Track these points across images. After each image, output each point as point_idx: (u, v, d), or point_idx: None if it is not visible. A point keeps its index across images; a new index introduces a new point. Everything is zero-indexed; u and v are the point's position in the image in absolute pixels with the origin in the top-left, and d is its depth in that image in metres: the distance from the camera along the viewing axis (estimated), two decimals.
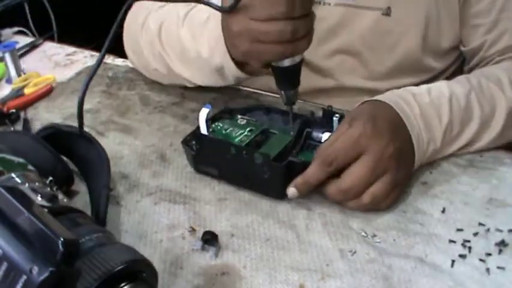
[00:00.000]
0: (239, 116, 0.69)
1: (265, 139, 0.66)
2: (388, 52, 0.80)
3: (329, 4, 0.81)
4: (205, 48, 0.70)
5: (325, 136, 0.64)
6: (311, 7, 0.60)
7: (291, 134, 0.65)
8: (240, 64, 0.68)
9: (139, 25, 0.80)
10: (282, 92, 0.64)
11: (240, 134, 0.66)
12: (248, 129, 0.66)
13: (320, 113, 0.65)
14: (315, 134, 0.65)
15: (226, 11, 0.60)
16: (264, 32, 0.58)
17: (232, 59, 0.67)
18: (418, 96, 0.64)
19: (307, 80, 0.85)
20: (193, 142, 0.66)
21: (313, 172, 0.58)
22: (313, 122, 0.66)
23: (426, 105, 0.63)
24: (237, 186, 0.64)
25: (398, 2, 0.78)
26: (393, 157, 0.58)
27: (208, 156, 0.64)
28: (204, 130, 0.65)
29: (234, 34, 0.62)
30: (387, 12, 0.78)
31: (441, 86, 0.67)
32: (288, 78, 0.64)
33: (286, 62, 0.62)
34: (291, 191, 0.59)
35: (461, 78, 0.70)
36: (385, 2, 0.78)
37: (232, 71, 0.69)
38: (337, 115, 0.63)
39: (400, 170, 0.59)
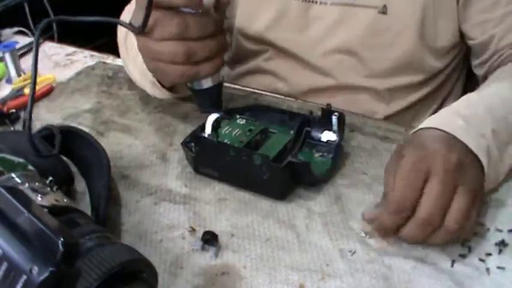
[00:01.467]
0: (238, 116, 0.69)
1: (265, 139, 0.66)
2: (386, 51, 0.80)
3: (325, 4, 0.81)
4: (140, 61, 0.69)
5: (324, 135, 0.65)
6: (216, 30, 0.61)
7: (291, 133, 0.65)
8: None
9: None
10: (203, 110, 0.66)
11: (240, 134, 0.66)
12: (247, 129, 0.66)
13: (319, 112, 0.65)
14: (314, 133, 0.65)
15: (135, 31, 0.61)
16: (157, 52, 0.60)
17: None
18: (459, 112, 0.60)
19: (306, 79, 0.86)
20: (192, 144, 0.66)
21: (390, 222, 0.53)
22: (312, 121, 0.66)
23: (469, 118, 0.58)
24: (237, 187, 0.64)
25: (394, 0, 0.78)
26: (458, 167, 0.53)
27: (208, 158, 0.64)
28: (209, 131, 0.65)
29: (140, 53, 0.64)
30: (383, 11, 0.78)
31: (473, 98, 0.64)
32: (205, 100, 0.66)
33: (200, 85, 0.63)
34: (364, 227, 0.56)
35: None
36: (381, 0, 0.78)
37: (158, 89, 0.72)
38: (336, 114, 0.63)
39: (471, 179, 0.53)
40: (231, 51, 0.97)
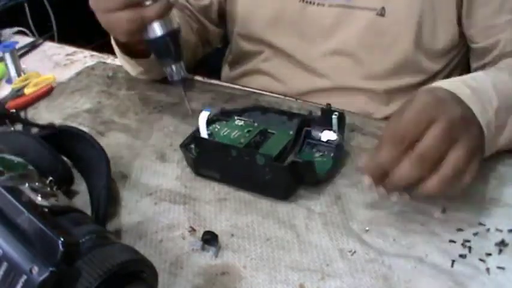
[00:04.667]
0: (236, 117, 0.69)
1: (264, 139, 0.66)
2: (384, 53, 0.80)
3: (323, 5, 0.81)
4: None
5: (324, 134, 0.64)
6: None
7: (290, 134, 0.65)
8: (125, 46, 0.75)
9: None
10: (164, 68, 0.66)
11: (239, 136, 0.66)
12: (246, 130, 0.66)
13: (319, 112, 0.65)
14: (314, 132, 0.65)
15: None
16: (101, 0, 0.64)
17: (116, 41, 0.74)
18: (467, 82, 0.60)
19: (303, 81, 0.86)
20: (192, 146, 0.66)
21: (386, 153, 0.52)
22: (311, 121, 0.66)
23: (476, 89, 0.59)
24: (239, 188, 0.64)
25: (392, 2, 0.78)
26: (464, 120, 0.53)
27: (209, 159, 0.64)
28: (204, 133, 0.64)
29: (94, 10, 0.67)
30: (381, 13, 0.78)
31: (481, 75, 0.65)
32: (159, 50, 0.66)
33: (153, 32, 0.64)
34: (366, 180, 0.54)
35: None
36: (379, 2, 0.78)
37: (117, 51, 0.76)
38: (336, 113, 0.63)
39: (472, 137, 0.54)
40: (231, 52, 0.97)
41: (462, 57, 0.85)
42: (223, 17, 0.95)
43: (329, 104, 0.64)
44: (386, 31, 0.79)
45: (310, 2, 0.81)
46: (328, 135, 0.65)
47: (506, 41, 0.76)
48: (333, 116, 0.63)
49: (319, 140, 0.65)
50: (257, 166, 0.59)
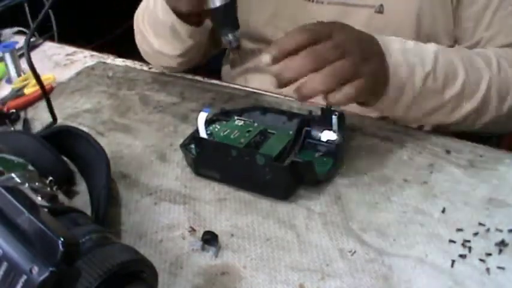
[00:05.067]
0: (236, 117, 0.69)
1: (264, 139, 0.66)
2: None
3: (322, 3, 0.81)
4: (159, 8, 0.77)
5: (324, 134, 0.64)
6: None
7: (290, 134, 0.65)
8: (184, 18, 0.75)
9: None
10: (224, 37, 0.69)
11: (239, 136, 0.66)
12: (246, 130, 0.66)
13: (318, 112, 0.65)
14: (314, 132, 0.65)
15: None
16: None
17: (176, 13, 0.74)
18: (404, 40, 0.67)
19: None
20: (192, 146, 0.66)
21: (289, 40, 0.59)
22: (311, 121, 0.66)
23: (411, 47, 0.66)
24: (239, 188, 0.64)
25: None
26: (361, 46, 0.61)
27: (209, 159, 0.64)
28: (203, 134, 0.64)
29: None
30: (380, 10, 0.78)
31: (430, 44, 0.69)
32: (222, 19, 0.69)
33: (217, 2, 0.67)
34: (264, 57, 0.59)
35: (454, 46, 0.74)
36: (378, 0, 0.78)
37: (178, 25, 0.76)
38: (336, 113, 0.63)
39: (366, 62, 0.60)
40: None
41: None
42: None
43: (329, 104, 0.64)
44: (384, 28, 0.79)
45: (309, 0, 0.81)
46: (328, 135, 0.65)
47: (488, 39, 0.77)
48: (333, 116, 0.63)
49: (319, 140, 0.65)
50: (257, 166, 0.59)
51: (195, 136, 0.66)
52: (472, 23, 0.77)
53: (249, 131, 0.66)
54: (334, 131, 0.64)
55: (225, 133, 0.66)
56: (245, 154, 0.60)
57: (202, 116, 0.64)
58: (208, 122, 0.66)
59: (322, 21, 0.62)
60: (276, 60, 0.58)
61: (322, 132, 0.65)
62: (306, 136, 0.65)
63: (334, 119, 0.63)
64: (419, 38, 0.79)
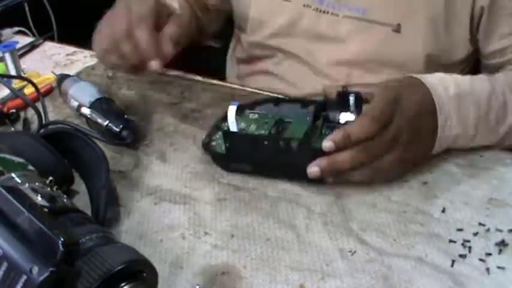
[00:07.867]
0: (248, 111, 0.69)
1: (284, 129, 0.65)
2: (396, 68, 0.79)
3: (337, 15, 0.80)
4: None
5: (342, 116, 0.64)
6: None
7: (307, 119, 0.64)
8: None
9: None
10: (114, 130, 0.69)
11: (257, 128, 0.65)
12: (262, 122, 0.66)
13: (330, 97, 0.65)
14: (332, 115, 0.64)
15: None
16: None
17: None
18: (459, 80, 0.66)
19: (314, 84, 0.85)
20: (214, 143, 0.65)
21: (358, 127, 0.59)
22: (328, 105, 0.65)
23: (464, 92, 0.65)
24: (273, 178, 0.64)
25: (408, 19, 0.77)
26: (416, 127, 0.61)
27: (240, 153, 0.63)
28: (233, 128, 0.64)
29: None
30: (397, 29, 0.77)
31: (483, 79, 0.69)
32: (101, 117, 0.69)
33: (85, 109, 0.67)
34: (328, 143, 0.58)
35: (499, 75, 0.73)
36: (396, 19, 0.77)
37: None
38: (352, 94, 0.62)
39: (411, 149, 0.61)
40: (235, 49, 0.97)
41: (470, 70, 0.85)
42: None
43: (345, 87, 0.63)
44: (400, 48, 0.78)
45: (324, 12, 0.81)
46: (346, 117, 0.63)
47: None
48: (350, 97, 0.63)
49: (338, 122, 0.64)
50: (292, 152, 0.59)
51: (225, 131, 0.65)
52: (501, 44, 0.77)
53: (266, 123, 0.66)
54: (352, 112, 0.63)
55: (242, 127, 0.66)
56: (280, 142, 0.60)
57: (232, 109, 0.63)
58: (222, 119, 0.66)
59: (387, 97, 0.61)
60: (338, 148, 0.58)
61: (339, 114, 0.64)
62: (324, 120, 0.65)
63: (352, 100, 0.62)
64: (431, 60, 0.78)
